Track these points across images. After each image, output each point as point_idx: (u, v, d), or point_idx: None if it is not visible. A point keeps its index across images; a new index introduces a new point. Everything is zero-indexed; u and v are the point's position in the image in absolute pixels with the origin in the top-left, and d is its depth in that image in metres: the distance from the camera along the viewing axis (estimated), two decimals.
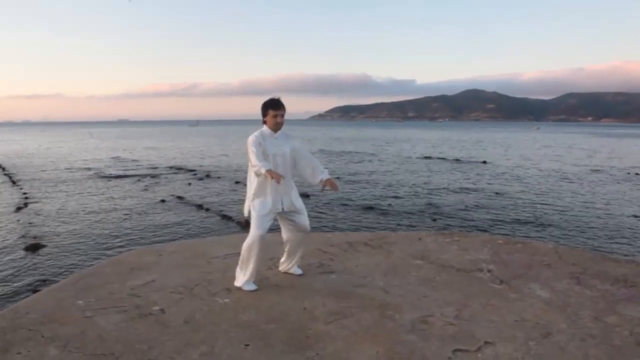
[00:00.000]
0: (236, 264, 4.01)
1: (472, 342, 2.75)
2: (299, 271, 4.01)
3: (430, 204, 13.50)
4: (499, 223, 11.04)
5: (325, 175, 3.61)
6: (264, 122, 3.62)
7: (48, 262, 8.22)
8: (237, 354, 2.66)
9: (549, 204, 13.52)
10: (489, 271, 4.03)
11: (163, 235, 9.90)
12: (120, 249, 8.74)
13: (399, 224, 10.93)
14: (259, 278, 3.91)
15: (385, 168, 24.32)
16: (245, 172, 3.77)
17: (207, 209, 12.96)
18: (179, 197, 15.01)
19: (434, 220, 11.28)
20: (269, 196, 3.58)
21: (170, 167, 25.17)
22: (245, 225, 11.12)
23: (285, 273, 4.03)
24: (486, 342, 2.75)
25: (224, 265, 4.28)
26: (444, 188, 16.79)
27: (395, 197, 14.92)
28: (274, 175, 3.26)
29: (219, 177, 20.90)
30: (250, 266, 3.62)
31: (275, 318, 3.13)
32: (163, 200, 14.28)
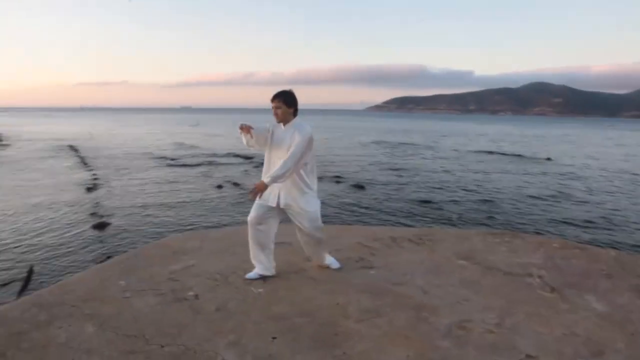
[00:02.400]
0: (282, 255, 4.05)
1: (512, 354, 2.55)
2: (335, 264, 3.91)
3: (484, 201, 12.96)
4: (556, 225, 10.38)
5: (267, 180, 3.34)
6: None
7: (111, 239, 8.76)
8: (264, 347, 2.62)
9: (616, 209, 12.56)
10: (540, 277, 3.75)
11: (214, 220, 10.16)
12: (174, 231, 9.11)
13: (448, 221, 10.56)
14: (295, 269, 3.88)
15: (440, 162, 23.64)
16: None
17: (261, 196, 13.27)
18: (235, 184, 15.45)
19: (487, 218, 10.81)
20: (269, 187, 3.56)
21: (228, 154, 25.83)
22: None
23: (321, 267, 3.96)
24: (528, 356, 2.54)
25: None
26: (501, 185, 16.06)
27: (448, 192, 14.45)
28: (244, 129, 3.46)
29: None
30: (251, 254, 3.67)
31: (307, 312, 3.07)
32: (219, 186, 14.79)
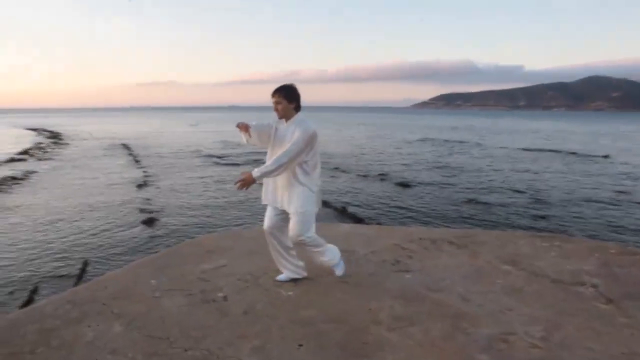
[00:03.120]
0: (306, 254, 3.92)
1: None
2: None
3: (533, 202, 12.33)
4: (614, 229, 9.68)
5: (255, 173, 3.12)
6: None
7: (159, 235, 9.15)
8: (288, 354, 2.51)
9: None
10: (594, 286, 3.43)
11: (258, 220, 10.25)
12: (216, 229, 9.31)
13: (493, 222, 10.10)
14: (328, 271, 3.74)
15: (486, 160, 22.81)
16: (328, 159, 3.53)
17: None
18: None
19: (535, 220, 10.25)
20: (268, 185, 3.41)
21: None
22: (341, 211, 11.29)
23: (357, 269, 3.78)
24: None
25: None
26: (552, 185, 15.25)
27: (494, 192, 13.88)
28: (241, 127, 3.36)
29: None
30: (275, 261, 3.55)
31: (336, 317, 2.93)
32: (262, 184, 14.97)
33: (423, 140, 36.65)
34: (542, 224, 9.86)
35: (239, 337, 2.70)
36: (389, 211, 11.51)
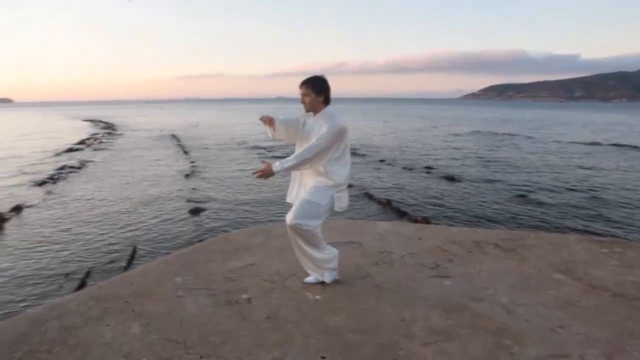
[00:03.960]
0: (350, 256, 3.79)
1: None
2: (326, 277, 3.29)
3: (589, 202, 11.49)
4: None
5: (275, 165, 2.96)
6: None
7: (205, 224, 9.38)
8: None
9: None
10: None
11: None
12: (257, 223, 9.33)
13: (544, 222, 9.46)
14: (361, 274, 3.51)
15: (538, 153, 21.66)
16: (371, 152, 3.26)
17: (350, 186, 13.23)
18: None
19: (591, 222, 9.52)
20: (294, 183, 3.32)
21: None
22: (385, 204, 11.07)
23: (393, 272, 3.52)
24: None
25: None
26: (611, 183, 14.21)
27: (545, 189, 13.08)
28: (266, 121, 3.17)
29: (364, 155, 21.02)
30: (301, 263, 3.35)
31: (365, 327, 2.69)
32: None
33: (472, 132, 35.40)
34: (599, 226, 9.13)
35: (258, 345, 2.52)
36: (433, 206, 11.12)
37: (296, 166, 2.97)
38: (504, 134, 34.29)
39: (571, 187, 13.39)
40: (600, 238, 4.54)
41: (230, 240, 4.40)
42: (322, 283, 3.30)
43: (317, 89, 3.03)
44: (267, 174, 2.95)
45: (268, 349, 2.47)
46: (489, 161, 19.12)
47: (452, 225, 6.89)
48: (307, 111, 3.12)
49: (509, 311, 2.88)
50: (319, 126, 3.04)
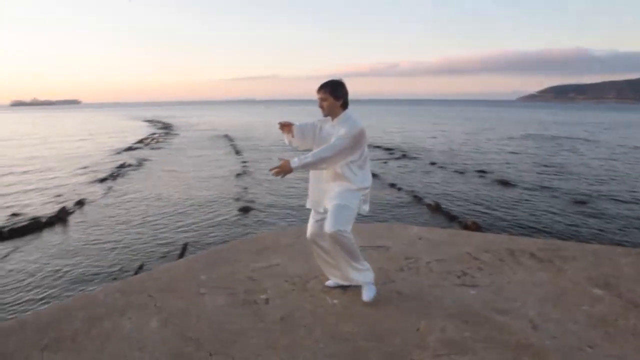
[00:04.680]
0: (376, 260, 3.73)
1: None
2: (365, 296, 3.06)
3: None
4: None
5: (294, 161, 2.81)
6: None
7: (252, 223, 9.78)
8: None
9: None
10: None
11: None
12: (305, 222, 9.50)
13: (595, 232, 8.90)
14: (383, 279, 3.43)
15: (598, 159, 20.43)
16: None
17: (400, 188, 13.40)
18: (374, 175, 15.50)
19: None
20: (311, 190, 3.19)
21: (369, 145, 25.97)
22: (435, 207, 10.91)
23: (416, 279, 3.42)
24: None
25: None
26: None
27: (607, 198, 12.30)
28: (284, 126, 3.16)
29: (414, 157, 20.79)
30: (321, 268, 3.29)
31: (379, 335, 2.62)
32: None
33: (528, 135, 33.96)
34: None
35: (268, 346, 2.52)
36: (485, 211, 10.85)
37: (314, 164, 2.86)
38: (562, 137, 32.65)
39: (631, 194, 12.54)
40: None
41: (259, 240, 4.44)
42: (343, 287, 3.26)
43: (335, 93, 2.95)
44: (285, 170, 2.81)
45: (277, 352, 2.47)
46: (545, 166, 18.28)
47: (508, 233, 6.63)
48: (325, 116, 3.04)
49: (535, 326, 2.71)
50: (337, 131, 2.97)
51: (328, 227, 2.85)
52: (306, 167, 2.86)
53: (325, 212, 2.99)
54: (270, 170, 2.86)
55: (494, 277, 3.47)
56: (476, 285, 3.31)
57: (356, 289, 3.23)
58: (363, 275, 3.07)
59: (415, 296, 3.15)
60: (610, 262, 3.76)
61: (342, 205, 2.91)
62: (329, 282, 3.30)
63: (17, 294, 6.27)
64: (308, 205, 3.22)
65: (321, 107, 3.00)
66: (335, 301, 3.08)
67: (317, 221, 3.09)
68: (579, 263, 3.75)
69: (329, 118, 3.05)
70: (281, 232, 4.67)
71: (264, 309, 2.97)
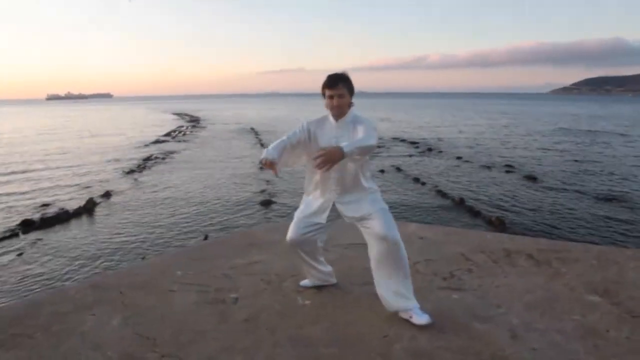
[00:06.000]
0: (362, 259, 3.47)
1: None
2: (419, 319, 2.60)
3: None
4: None
5: (347, 148, 2.32)
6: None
7: (272, 216, 9.94)
8: None
9: None
10: None
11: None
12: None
13: (627, 237, 8.45)
14: (364, 280, 3.24)
15: (633, 154, 19.51)
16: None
17: (424, 183, 13.34)
18: (398, 169, 15.50)
19: None
20: (315, 199, 2.80)
21: (395, 139, 25.78)
22: (459, 202, 10.69)
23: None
24: None
25: (339, 255, 3.72)
26: None
27: (633, 196, 11.71)
28: (266, 165, 2.54)
29: (440, 152, 20.47)
30: (303, 268, 3.06)
31: (344, 341, 2.46)
32: (382, 171, 15.25)
33: (558, 130, 32.83)
34: None
35: (224, 349, 2.40)
36: (510, 207, 10.61)
37: (369, 148, 2.46)
38: (593, 131, 31.43)
39: None
40: None
41: (248, 236, 4.33)
42: (318, 287, 3.11)
43: (351, 89, 2.64)
44: (335, 159, 2.31)
45: (231, 354, 2.34)
46: (576, 161, 17.64)
47: (531, 231, 6.36)
48: (336, 115, 2.65)
49: (515, 335, 2.50)
50: (349, 132, 2.61)
51: (391, 233, 2.55)
52: (361, 151, 2.43)
53: (317, 223, 2.75)
54: (315, 158, 2.35)
55: (483, 280, 3.25)
56: (461, 289, 3.10)
57: (331, 289, 3.09)
58: (410, 302, 2.65)
59: None
60: (615, 267, 3.48)
61: (386, 209, 2.68)
62: (305, 282, 3.15)
63: (30, 280, 6.45)
64: (307, 213, 2.79)
65: (337, 106, 2.61)
66: (307, 302, 2.93)
67: (306, 227, 2.76)
68: (580, 266, 3.48)
69: (325, 119, 2.74)
70: (272, 228, 4.55)
71: (231, 309, 2.84)
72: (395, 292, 2.63)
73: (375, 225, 2.59)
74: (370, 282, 3.16)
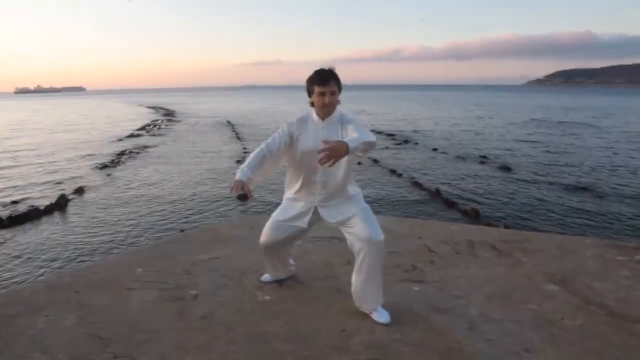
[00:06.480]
0: (324, 252, 3.56)
1: None
2: (380, 318, 2.57)
3: None
4: None
5: (352, 143, 2.18)
6: (312, 104, 2.56)
7: (249, 211, 9.93)
8: None
9: None
10: None
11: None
12: None
13: (581, 222, 8.69)
14: (326, 274, 3.24)
15: (603, 147, 20.00)
16: None
17: (400, 175, 13.41)
18: (375, 161, 15.55)
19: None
20: (296, 202, 2.70)
21: (372, 131, 25.81)
22: (435, 194, 10.79)
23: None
24: None
25: (305, 250, 3.68)
26: None
27: (601, 186, 12.01)
28: (237, 189, 2.42)
29: (416, 144, 20.62)
30: (268, 267, 3.04)
31: (301, 336, 2.44)
32: (359, 163, 15.16)
33: (532, 121, 33.47)
34: None
35: (178, 348, 2.35)
36: (485, 198, 10.85)
37: (368, 147, 2.29)
38: (567, 122, 32.12)
39: (630, 185, 12.22)
40: (623, 243, 3.94)
41: (212, 231, 4.25)
42: (279, 282, 3.08)
43: (340, 85, 2.50)
44: (340, 154, 2.15)
45: (185, 353, 2.29)
46: (548, 152, 18.07)
47: (455, 223, 6.43)
48: (326, 114, 2.52)
49: (472, 327, 2.51)
50: (338, 132, 2.48)
51: (376, 234, 2.48)
52: (366, 148, 2.28)
53: (301, 229, 2.69)
54: (320, 153, 2.15)
55: (445, 271, 3.27)
56: (422, 281, 3.11)
57: (292, 285, 3.07)
58: (380, 300, 2.61)
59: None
60: (574, 255, 3.55)
61: (368, 209, 2.61)
62: (266, 277, 3.11)
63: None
64: (285, 217, 2.71)
65: (330, 104, 2.46)
66: (267, 297, 2.90)
67: (286, 229, 2.70)
68: (541, 256, 3.53)
69: (307, 119, 2.60)
70: (236, 224, 4.48)
71: (189, 306, 2.79)
72: (371, 293, 2.58)
73: (359, 227, 2.51)
74: (331, 277, 3.18)
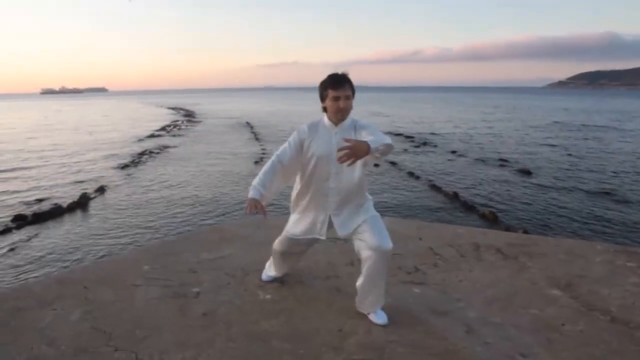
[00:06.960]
0: (327, 252, 3.56)
1: None
2: (377, 319, 2.59)
3: None
4: None
5: (373, 143, 2.12)
6: (324, 109, 2.50)
7: (270, 215, 9.99)
8: None
9: None
10: None
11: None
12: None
13: (600, 227, 8.50)
14: (328, 274, 3.27)
15: (625, 149, 19.54)
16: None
17: (418, 177, 13.34)
18: (392, 163, 15.53)
19: None
20: (308, 213, 2.65)
21: (389, 133, 25.79)
22: (453, 196, 10.72)
23: None
24: None
25: (310, 250, 3.70)
26: None
27: (623, 191, 11.74)
28: (251, 208, 2.45)
29: (435, 146, 20.50)
30: (277, 267, 3.07)
31: (299, 335, 2.47)
32: (376, 165, 15.30)
33: (553, 124, 32.86)
34: None
35: (178, 344, 2.40)
36: (504, 202, 10.73)
37: (387, 149, 2.22)
38: (589, 125, 31.46)
39: None
40: (634, 249, 3.86)
41: (219, 230, 4.32)
42: (281, 281, 3.11)
43: (354, 89, 2.45)
44: (362, 153, 2.10)
45: (184, 349, 2.34)
46: (570, 156, 17.74)
47: (462, 225, 6.37)
48: (340, 118, 2.46)
49: (470, 330, 2.51)
50: (350, 136, 2.38)
51: (384, 243, 2.43)
52: (386, 150, 2.22)
53: (311, 241, 2.74)
54: (340, 150, 2.12)
55: (447, 274, 3.26)
56: (424, 283, 3.11)
57: (293, 284, 3.10)
58: (381, 302, 2.62)
59: (354, 293, 2.95)
60: (582, 260, 3.50)
61: (377, 217, 2.59)
62: (266, 277, 3.15)
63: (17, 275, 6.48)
64: (297, 231, 2.71)
65: (344, 109, 2.41)
66: (267, 296, 2.93)
67: (300, 241, 2.74)
68: (547, 261, 3.49)
69: (318, 124, 2.55)
70: (242, 223, 4.54)
71: (191, 303, 2.84)
72: (373, 297, 2.58)
73: (368, 235, 2.47)
74: (332, 276, 3.20)
